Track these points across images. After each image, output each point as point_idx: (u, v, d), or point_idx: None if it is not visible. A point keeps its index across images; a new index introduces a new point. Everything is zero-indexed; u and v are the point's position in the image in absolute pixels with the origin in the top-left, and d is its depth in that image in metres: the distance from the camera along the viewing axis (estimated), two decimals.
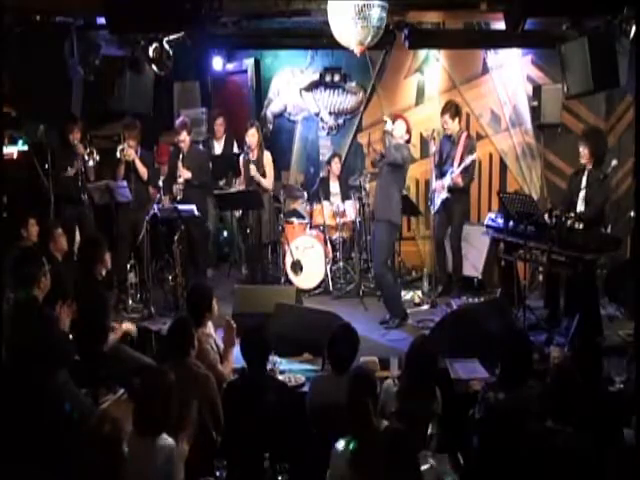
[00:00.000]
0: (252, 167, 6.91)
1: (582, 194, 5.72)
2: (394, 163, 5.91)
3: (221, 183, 7.63)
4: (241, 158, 7.19)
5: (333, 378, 3.84)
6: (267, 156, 7.07)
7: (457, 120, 6.76)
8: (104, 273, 4.89)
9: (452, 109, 6.74)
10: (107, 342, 4.65)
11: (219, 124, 8.00)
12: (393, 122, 6.05)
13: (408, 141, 6.15)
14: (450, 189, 6.69)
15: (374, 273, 6.39)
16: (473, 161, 6.72)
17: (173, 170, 6.98)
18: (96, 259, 4.81)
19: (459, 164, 6.65)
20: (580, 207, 5.71)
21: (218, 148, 8.04)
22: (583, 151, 5.77)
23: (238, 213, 7.38)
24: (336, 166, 7.87)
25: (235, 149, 7.92)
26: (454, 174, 6.65)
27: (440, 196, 6.70)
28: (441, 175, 6.81)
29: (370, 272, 7.57)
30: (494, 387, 3.66)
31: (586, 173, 5.77)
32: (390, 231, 6.15)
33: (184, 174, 6.87)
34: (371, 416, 3.10)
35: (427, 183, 7.30)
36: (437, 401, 3.76)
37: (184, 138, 6.96)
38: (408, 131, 6.10)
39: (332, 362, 3.93)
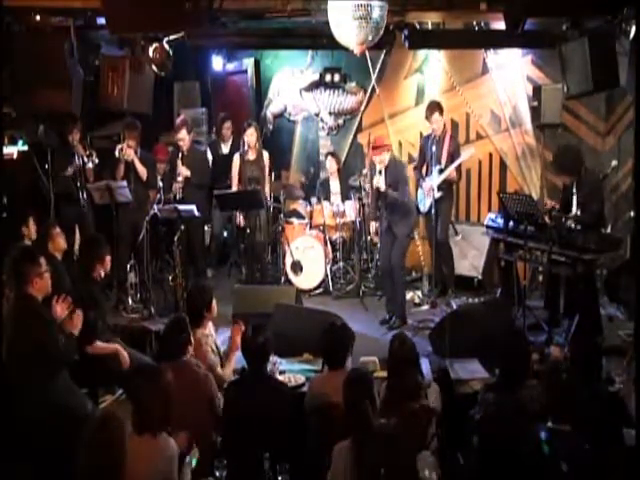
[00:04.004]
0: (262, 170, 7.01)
1: (575, 197, 5.71)
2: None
3: (228, 182, 7.63)
4: (236, 157, 7.14)
5: (331, 377, 3.84)
6: (266, 156, 7.06)
7: (443, 117, 6.81)
8: (102, 275, 4.86)
9: (438, 107, 6.77)
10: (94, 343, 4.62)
11: (227, 127, 7.98)
12: (376, 148, 6.08)
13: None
14: (439, 187, 6.67)
15: (391, 264, 6.19)
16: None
17: (172, 169, 6.97)
18: (96, 259, 4.79)
19: (447, 162, 6.65)
20: (575, 210, 5.69)
21: (225, 149, 8.02)
22: (562, 179, 5.78)
23: (240, 219, 7.32)
24: (330, 164, 7.88)
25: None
26: (449, 170, 6.63)
27: (431, 197, 6.67)
28: (422, 177, 6.87)
29: (370, 272, 7.58)
30: (494, 387, 3.66)
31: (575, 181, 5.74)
32: (411, 236, 6.41)
33: (183, 172, 6.86)
34: (369, 416, 3.10)
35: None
36: (435, 399, 3.75)
37: (183, 136, 6.94)
38: (388, 149, 6.16)
39: (326, 357, 3.97)
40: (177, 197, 6.86)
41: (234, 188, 7.15)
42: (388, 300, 6.43)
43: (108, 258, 4.87)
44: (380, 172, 6.00)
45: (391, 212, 6.16)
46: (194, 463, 3.21)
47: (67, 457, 2.95)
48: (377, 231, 6.66)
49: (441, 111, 6.74)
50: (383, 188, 5.99)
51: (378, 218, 6.48)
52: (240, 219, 7.24)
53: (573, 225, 5.49)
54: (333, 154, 8.00)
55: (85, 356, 4.43)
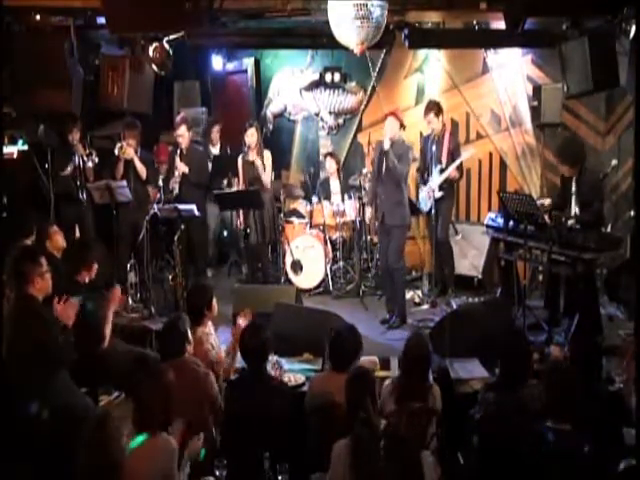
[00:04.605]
0: (258, 164, 6.82)
1: (574, 196, 5.71)
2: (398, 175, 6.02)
3: (224, 182, 7.63)
4: (240, 159, 7.14)
5: (332, 377, 3.84)
6: (267, 155, 7.05)
7: (440, 118, 6.75)
8: (87, 280, 4.81)
9: (435, 107, 6.73)
10: (104, 342, 4.63)
11: (215, 131, 8.09)
12: (392, 114, 6.13)
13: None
14: (441, 187, 6.65)
15: (389, 265, 6.19)
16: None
17: (171, 165, 6.98)
18: (81, 263, 4.77)
19: (448, 161, 6.64)
20: (575, 209, 5.69)
21: (215, 151, 8.07)
22: (562, 168, 5.77)
23: (240, 219, 7.31)
24: (329, 164, 7.88)
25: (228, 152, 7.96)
26: (449, 170, 6.61)
27: (431, 199, 6.65)
28: (424, 180, 6.84)
29: (370, 272, 7.58)
30: (494, 387, 3.66)
31: (574, 177, 5.72)
32: (405, 231, 6.31)
33: (181, 167, 6.85)
34: (370, 413, 3.10)
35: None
36: (435, 399, 3.76)
37: (183, 132, 6.92)
38: (401, 125, 6.16)
39: (333, 359, 3.93)
40: (174, 192, 6.85)
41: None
42: (388, 299, 6.43)
43: (95, 266, 4.84)
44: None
45: (386, 196, 6.12)
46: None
47: (67, 457, 2.95)
48: (377, 230, 6.66)
49: (438, 112, 6.70)
50: (387, 146, 5.99)
51: (375, 212, 6.45)
52: (240, 220, 7.24)
53: (574, 224, 5.49)
54: (332, 154, 7.99)
55: (85, 356, 4.43)
